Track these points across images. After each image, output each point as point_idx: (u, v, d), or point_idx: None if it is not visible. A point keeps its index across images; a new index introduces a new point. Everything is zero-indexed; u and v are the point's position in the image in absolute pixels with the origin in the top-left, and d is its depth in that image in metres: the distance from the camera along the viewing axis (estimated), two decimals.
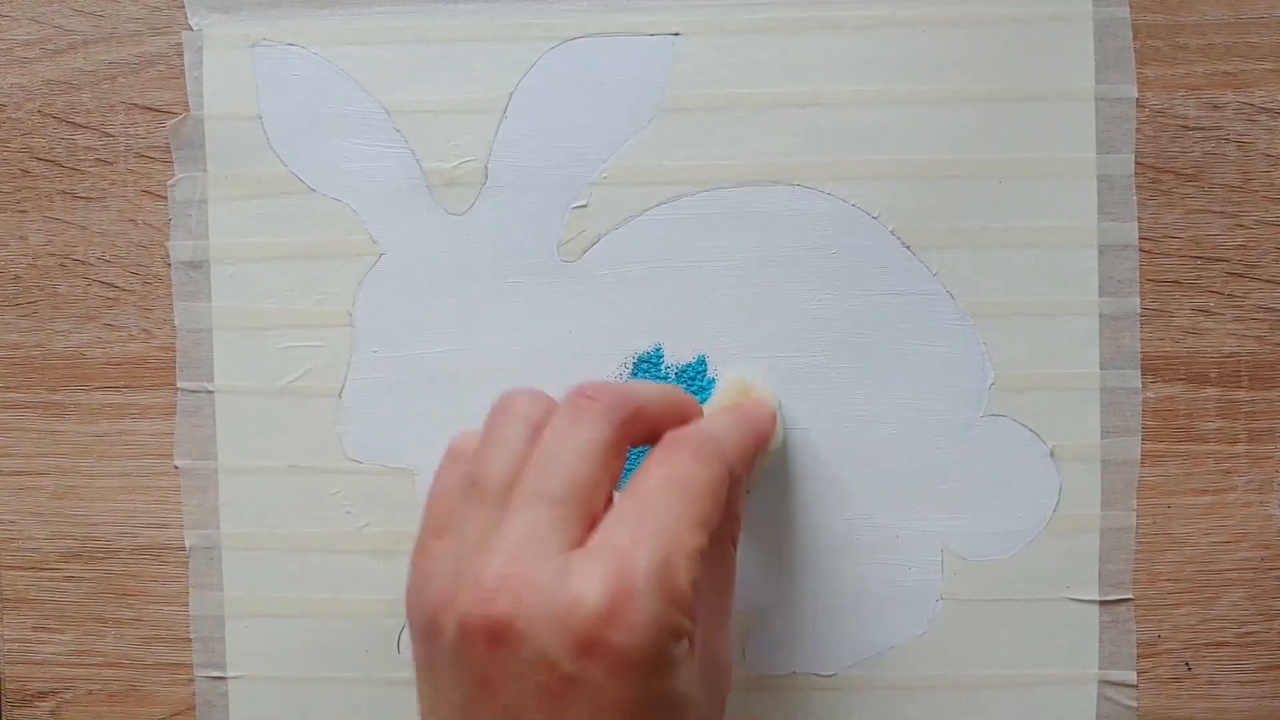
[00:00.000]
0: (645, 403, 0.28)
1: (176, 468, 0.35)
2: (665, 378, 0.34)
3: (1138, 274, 0.34)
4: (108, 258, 0.36)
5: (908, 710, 0.35)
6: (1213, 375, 0.34)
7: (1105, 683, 0.34)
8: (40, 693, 0.36)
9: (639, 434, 0.28)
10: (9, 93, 0.36)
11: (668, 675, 0.25)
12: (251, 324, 0.35)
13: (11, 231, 0.36)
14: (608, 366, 0.35)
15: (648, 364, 0.34)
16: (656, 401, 0.29)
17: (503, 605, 0.25)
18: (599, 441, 0.27)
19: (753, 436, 0.31)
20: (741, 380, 0.34)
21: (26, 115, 0.36)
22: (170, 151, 0.35)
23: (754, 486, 0.34)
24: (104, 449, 0.36)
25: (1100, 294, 0.34)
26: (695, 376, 0.34)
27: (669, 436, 0.28)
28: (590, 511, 0.26)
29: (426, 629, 0.26)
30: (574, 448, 0.27)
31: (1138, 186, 0.34)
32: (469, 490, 0.27)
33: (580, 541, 0.26)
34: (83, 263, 0.36)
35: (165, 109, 0.35)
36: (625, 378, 0.34)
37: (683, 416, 0.29)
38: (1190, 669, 0.34)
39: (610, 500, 0.27)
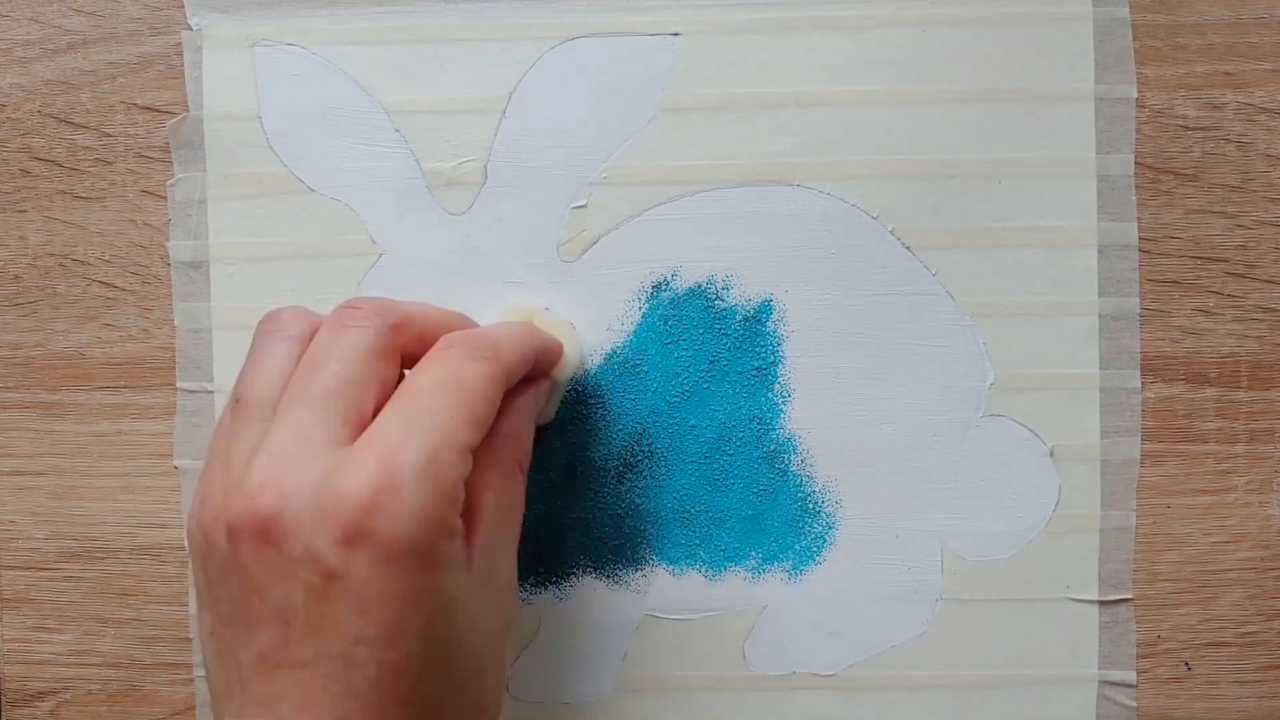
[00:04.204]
0: (416, 313, 0.28)
1: (176, 468, 0.35)
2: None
3: (1137, 274, 0.34)
4: (107, 258, 0.36)
5: (908, 710, 0.35)
6: (1212, 375, 0.34)
7: (1105, 683, 0.34)
8: (40, 693, 0.36)
9: (410, 342, 0.28)
10: (9, 93, 0.36)
11: (436, 571, 0.25)
12: (251, 324, 0.35)
13: (11, 231, 0.36)
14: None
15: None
16: (428, 313, 0.29)
17: (268, 502, 0.25)
18: (364, 345, 0.27)
19: (531, 345, 0.30)
20: (525, 306, 0.34)
21: (26, 115, 0.36)
22: (170, 151, 0.35)
23: (547, 418, 0.33)
24: (104, 449, 0.36)
25: (1100, 294, 0.34)
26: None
27: (444, 338, 0.28)
28: (358, 412, 0.26)
29: (202, 545, 0.26)
30: (338, 353, 0.27)
31: (1137, 186, 0.34)
32: (235, 410, 0.27)
33: (348, 441, 0.25)
34: (82, 263, 0.36)
35: (165, 109, 0.35)
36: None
37: (458, 328, 0.29)
38: (1190, 669, 0.34)
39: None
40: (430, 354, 0.28)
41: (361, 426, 0.26)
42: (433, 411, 0.26)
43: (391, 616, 0.24)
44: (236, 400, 0.27)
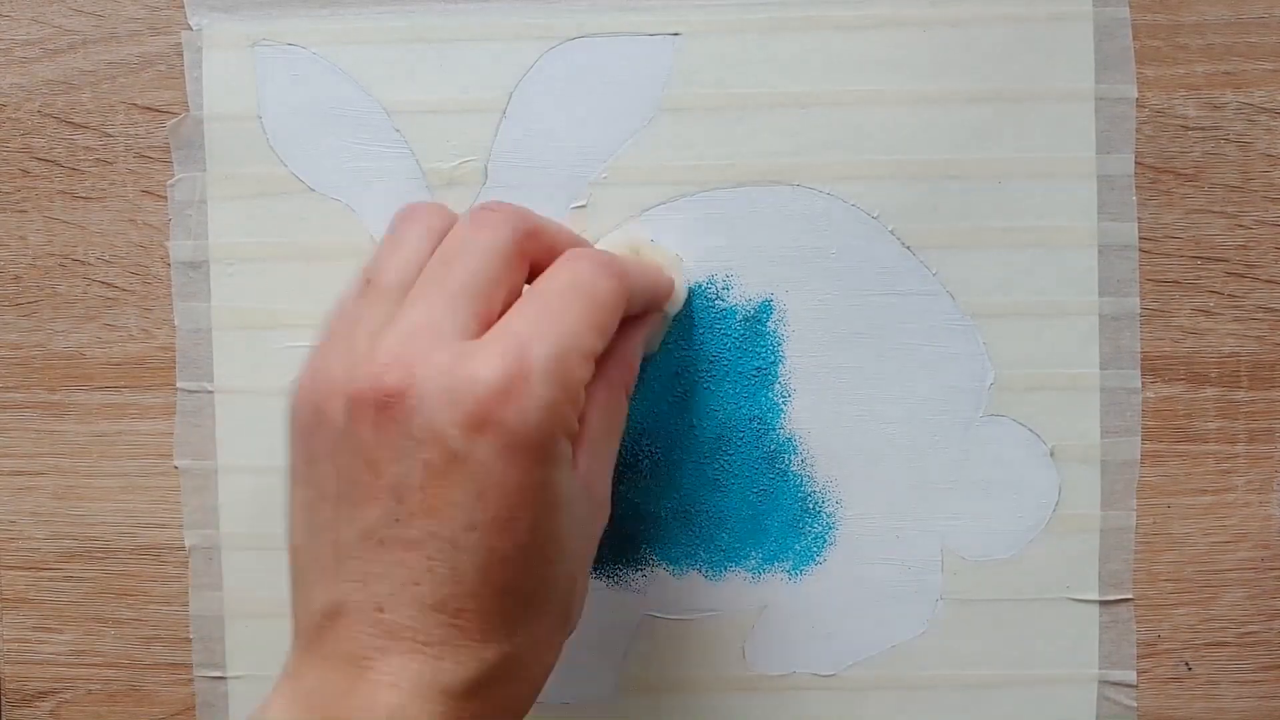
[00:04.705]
0: (548, 225, 0.29)
1: (176, 468, 0.35)
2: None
3: (1138, 274, 0.34)
4: (107, 258, 0.36)
5: (908, 710, 0.35)
6: (1212, 375, 0.34)
7: (1105, 683, 0.34)
8: (40, 693, 0.36)
9: (540, 252, 0.28)
10: (9, 93, 0.36)
11: (551, 466, 0.25)
12: (251, 324, 0.35)
13: (11, 231, 0.36)
14: None
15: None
16: (559, 228, 0.30)
17: (395, 377, 0.25)
18: (500, 246, 0.27)
19: (652, 283, 0.31)
20: (631, 236, 0.34)
21: (26, 115, 0.36)
22: (170, 151, 0.35)
23: (654, 349, 0.34)
24: (104, 449, 0.36)
25: (1100, 294, 0.34)
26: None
27: (572, 250, 0.28)
28: (488, 308, 0.26)
29: (312, 418, 0.26)
30: (475, 249, 0.27)
31: (1138, 186, 0.34)
32: (365, 289, 0.27)
33: (476, 334, 0.26)
34: (83, 263, 0.36)
35: (165, 109, 0.35)
36: None
37: (581, 245, 0.30)
38: (1190, 669, 0.34)
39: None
40: (560, 261, 0.28)
41: (489, 323, 0.26)
42: (563, 314, 0.26)
43: (506, 504, 0.25)
44: (367, 280, 0.27)
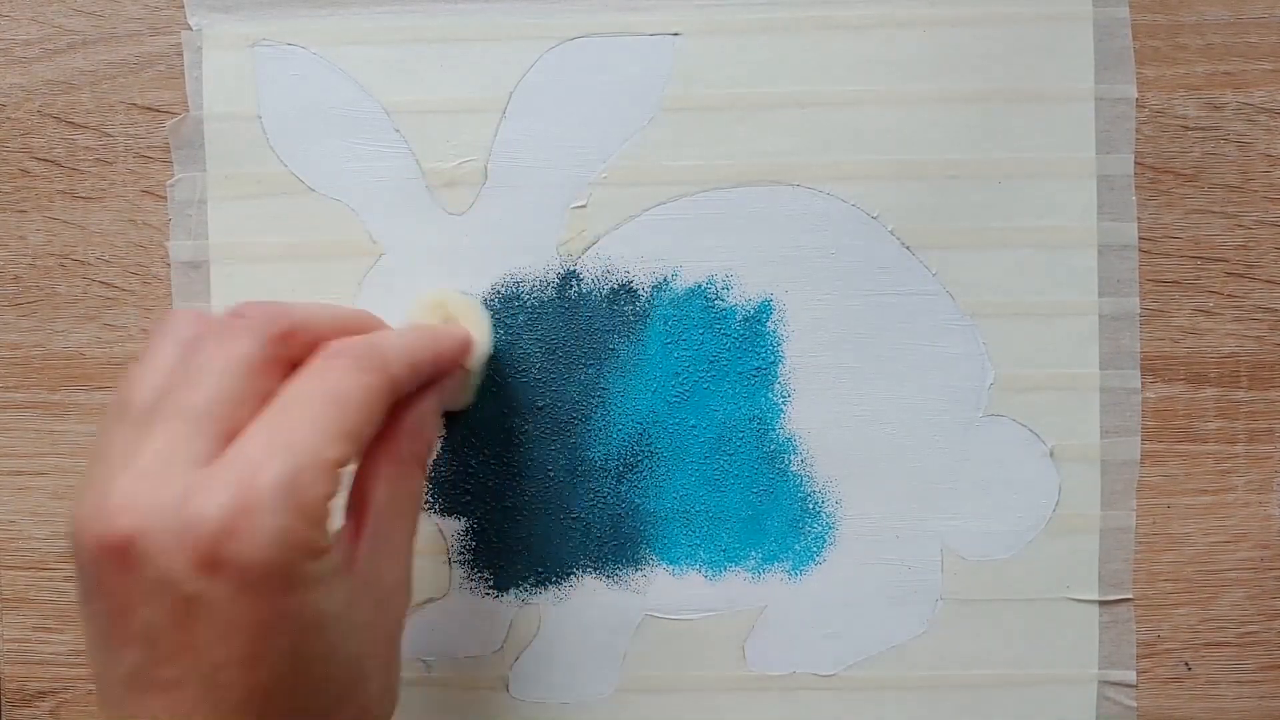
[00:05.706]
0: (307, 319, 0.27)
1: None
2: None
3: (1137, 274, 0.34)
4: (107, 258, 0.36)
5: (908, 710, 0.35)
6: (1212, 375, 0.34)
7: (1105, 683, 0.34)
8: (40, 692, 0.36)
9: (301, 350, 0.27)
10: (9, 93, 0.36)
11: (300, 591, 0.24)
12: None
13: (11, 231, 0.36)
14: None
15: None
16: (323, 319, 0.28)
17: (123, 524, 0.24)
18: (244, 357, 0.26)
19: (428, 349, 0.29)
20: (435, 298, 0.33)
21: (26, 115, 0.36)
22: (170, 151, 0.35)
23: (466, 402, 0.33)
24: None
25: (1100, 294, 0.34)
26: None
27: (327, 346, 0.27)
28: (230, 428, 0.25)
29: (76, 556, 0.25)
30: (217, 364, 0.26)
31: (1137, 186, 0.34)
32: (117, 412, 0.26)
33: (215, 457, 0.25)
34: (82, 263, 0.36)
35: (165, 109, 0.35)
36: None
37: (356, 332, 0.28)
38: (1190, 669, 0.34)
39: None
40: (308, 364, 0.27)
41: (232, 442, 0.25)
42: (300, 427, 0.25)
43: (254, 640, 0.24)
44: (119, 402, 0.26)
